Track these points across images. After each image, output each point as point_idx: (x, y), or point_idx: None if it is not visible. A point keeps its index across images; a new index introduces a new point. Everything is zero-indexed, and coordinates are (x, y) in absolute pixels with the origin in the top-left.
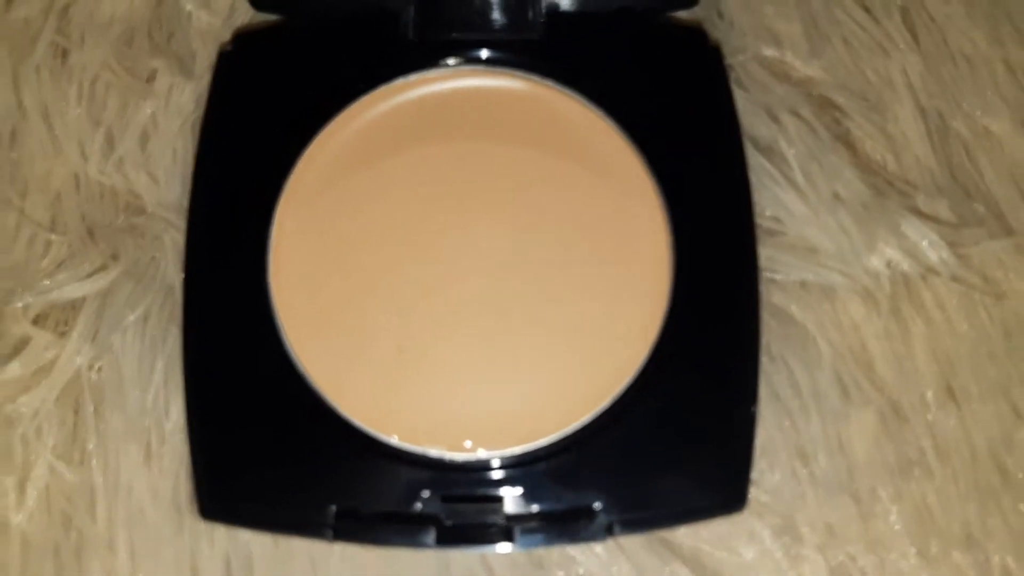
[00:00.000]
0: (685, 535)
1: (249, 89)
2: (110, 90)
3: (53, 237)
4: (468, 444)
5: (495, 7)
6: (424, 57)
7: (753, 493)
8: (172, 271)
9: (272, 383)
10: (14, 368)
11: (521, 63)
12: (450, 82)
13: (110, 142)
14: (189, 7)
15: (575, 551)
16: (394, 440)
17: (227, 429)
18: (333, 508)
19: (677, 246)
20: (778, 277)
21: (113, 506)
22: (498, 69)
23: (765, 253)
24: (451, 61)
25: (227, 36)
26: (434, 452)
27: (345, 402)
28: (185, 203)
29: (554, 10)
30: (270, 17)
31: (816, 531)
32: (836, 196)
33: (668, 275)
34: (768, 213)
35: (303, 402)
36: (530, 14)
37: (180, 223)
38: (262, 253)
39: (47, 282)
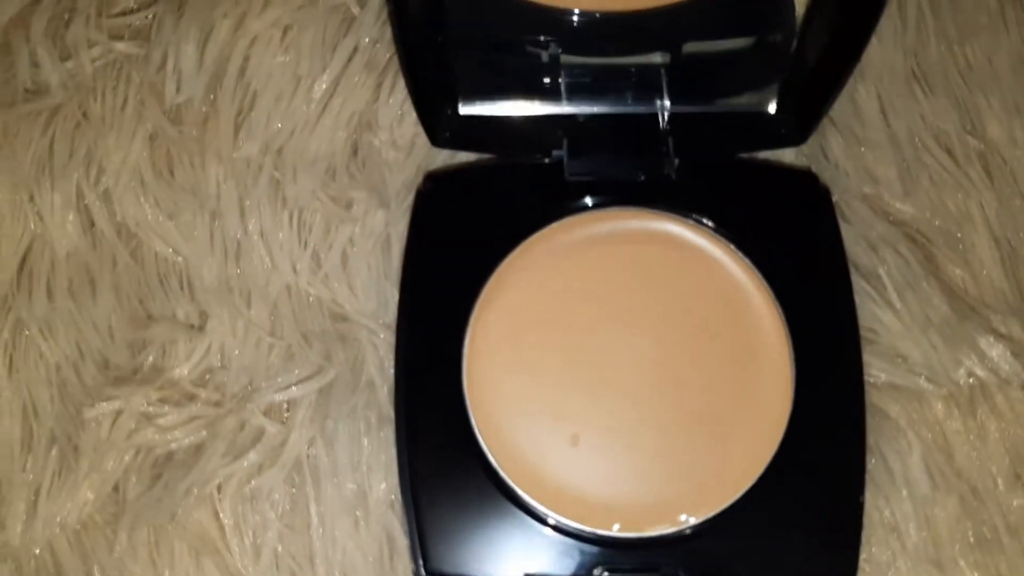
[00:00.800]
0: None
1: (441, 223)
2: (316, 216)
3: (273, 340)
4: (616, 527)
5: (634, 152)
6: (578, 198)
7: None
8: (373, 370)
9: (468, 469)
10: (253, 456)
11: (658, 201)
12: (604, 222)
13: (316, 260)
14: (378, 144)
15: None
16: (571, 521)
17: (438, 502)
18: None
19: (796, 356)
20: (874, 380)
21: (330, 566)
22: (638, 208)
23: (864, 359)
24: (600, 200)
25: (410, 168)
26: (599, 530)
27: (526, 483)
28: (380, 312)
29: (685, 154)
30: (444, 153)
31: None
32: (926, 317)
33: (790, 381)
34: (867, 325)
35: (496, 485)
36: (664, 158)
37: (377, 328)
38: (458, 361)
39: (279, 379)
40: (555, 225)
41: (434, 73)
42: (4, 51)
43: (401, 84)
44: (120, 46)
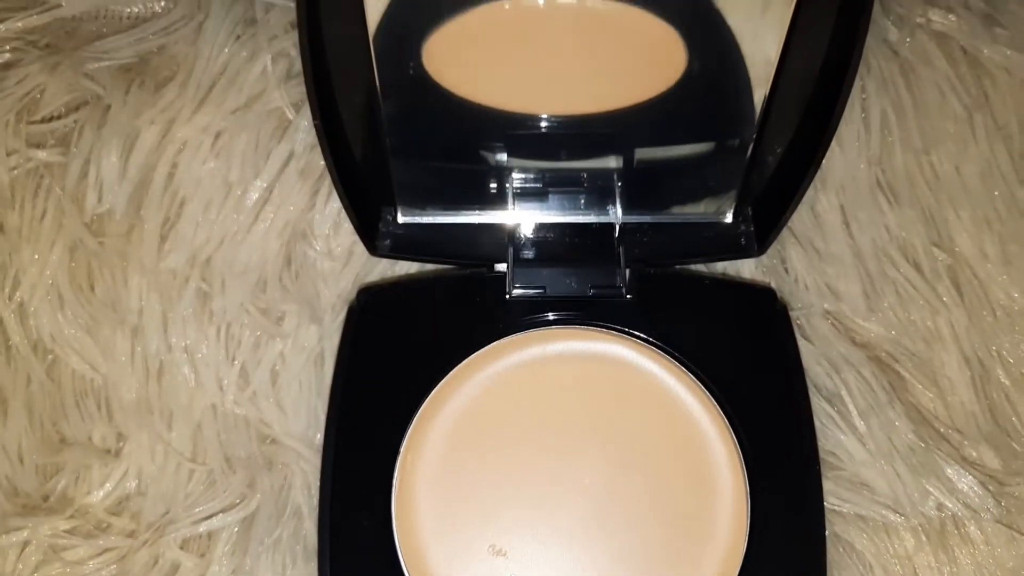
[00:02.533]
0: None
1: (375, 340)
2: (245, 330)
3: (194, 465)
4: None
5: (583, 263)
6: (522, 315)
7: None
8: (301, 497)
9: None
10: None
11: (609, 319)
12: (549, 341)
13: (244, 377)
14: (312, 254)
15: None
16: None
17: None
18: None
19: (752, 484)
20: (839, 509)
21: None
22: (588, 327)
23: (827, 487)
24: (547, 317)
25: (347, 279)
26: None
27: None
28: (310, 433)
29: (637, 264)
30: (383, 262)
31: None
32: (891, 444)
33: (745, 511)
34: (829, 450)
35: None
36: (616, 268)
37: (306, 451)
38: (388, 490)
39: (199, 509)
40: (497, 344)
41: (370, 179)
42: None
43: None
44: (40, 154)
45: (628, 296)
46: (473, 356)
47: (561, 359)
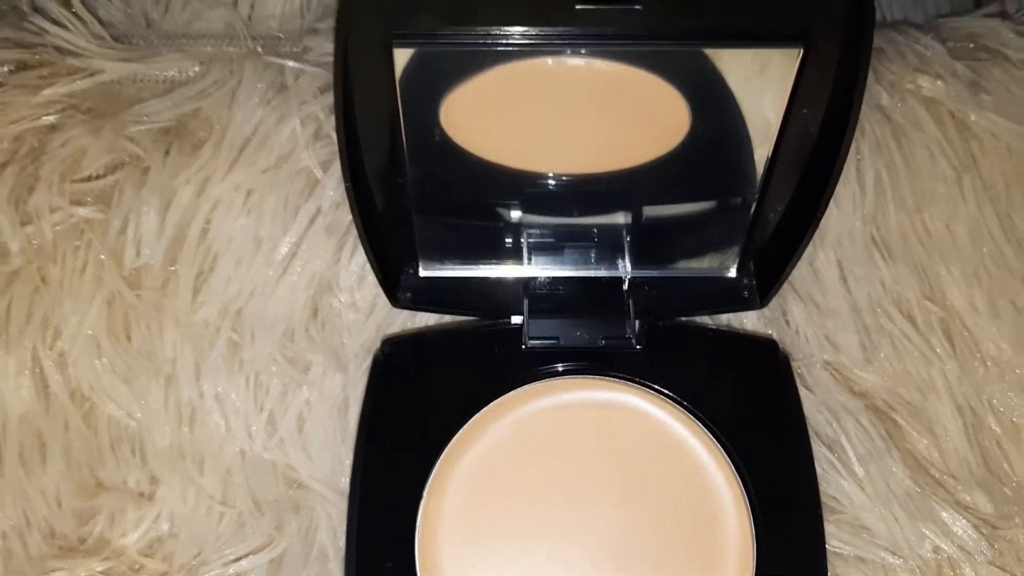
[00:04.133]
0: None
1: (398, 388)
2: (273, 379)
3: (224, 508)
4: None
5: (595, 314)
6: (537, 365)
7: None
8: (326, 539)
9: None
10: None
11: (619, 369)
12: (563, 391)
13: (272, 423)
14: (338, 306)
15: None
16: None
17: None
18: None
19: (756, 527)
20: (840, 551)
21: None
22: (600, 377)
23: (828, 529)
24: (560, 367)
25: (370, 329)
26: None
27: None
28: (334, 478)
29: (646, 316)
30: (404, 313)
31: None
32: (889, 489)
33: (751, 552)
34: (830, 494)
35: None
36: (625, 320)
37: (331, 495)
38: (411, 533)
39: (228, 551)
40: (514, 393)
41: (394, 235)
42: None
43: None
44: (81, 211)
45: (638, 347)
46: (491, 405)
47: (575, 407)
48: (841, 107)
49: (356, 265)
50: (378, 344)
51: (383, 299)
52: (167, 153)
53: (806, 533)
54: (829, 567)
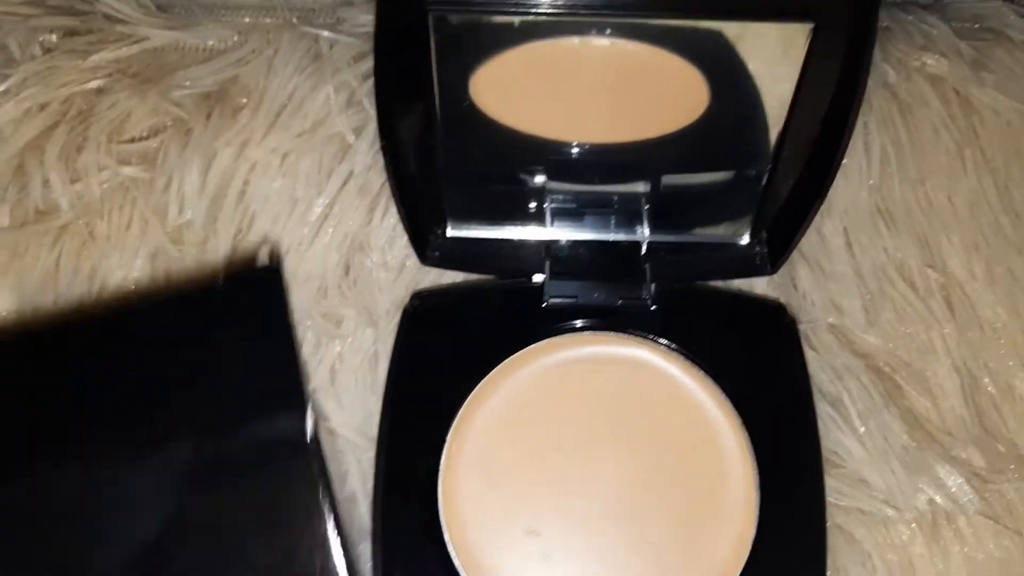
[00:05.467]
0: None
1: (425, 341)
2: (307, 332)
3: None
4: None
5: (613, 276)
6: (556, 321)
7: None
8: (356, 484)
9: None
10: None
11: (634, 327)
12: (580, 345)
13: (306, 375)
14: (369, 264)
15: None
16: None
17: None
18: None
19: (761, 478)
20: (840, 503)
21: None
22: (613, 333)
23: (829, 483)
24: (577, 324)
25: (400, 288)
26: None
27: None
28: (365, 426)
29: (661, 280)
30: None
31: None
32: (887, 444)
33: (755, 503)
34: (831, 449)
35: None
36: (642, 283)
37: (362, 443)
38: (434, 476)
39: None
40: (534, 347)
41: (424, 197)
42: (19, 173)
43: (393, 209)
44: (127, 170)
45: (653, 307)
46: (512, 357)
47: (590, 361)
48: (849, 83)
49: (387, 226)
50: (407, 300)
51: (412, 259)
52: (208, 117)
53: (807, 484)
54: (829, 518)
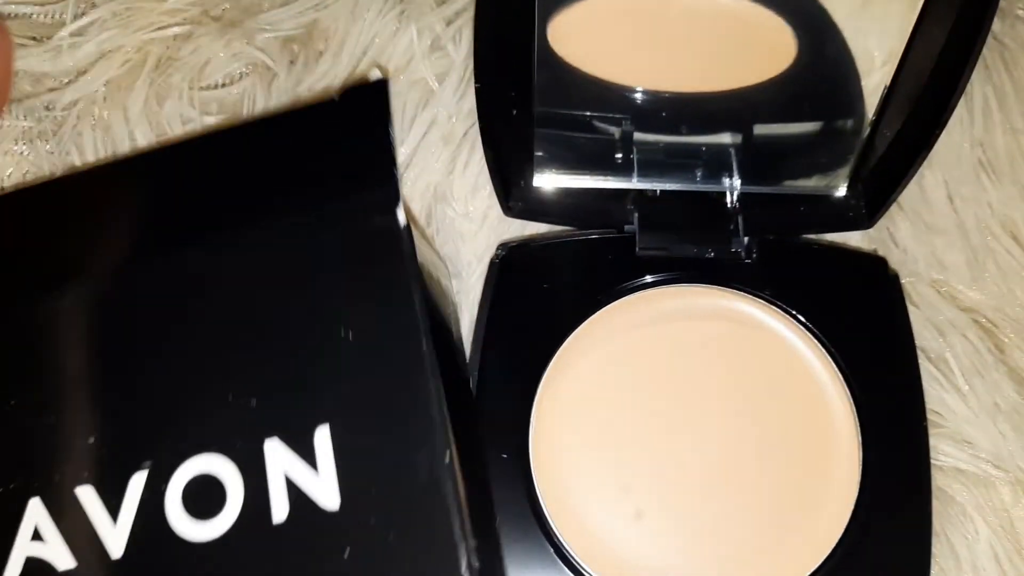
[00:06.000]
0: None
1: (515, 292)
2: None
3: None
4: None
5: (704, 228)
6: (648, 273)
7: None
8: None
9: (533, 538)
10: None
11: (727, 279)
12: (673, 298)
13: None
14: (452, 214)
15: None
16: None
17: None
18: None
19: (864, 437)
20: (941, 464)
21: None
22: (708, 286)
23: (931, 443)
24: (670, 276)
25: (482, 239)
26: None
27: (587, 555)
28: None
29: (754, 233)
30: (515, 225)
31: None
32: (994, 403)
33: (857, 462)
34: (933, 408)
35: (559, 556)
36: (734, 238)
37: None
38: (525, 430)
39: None
40: (626, 299)
41: (512, 145)
42: (104, 131)
43: (475, 158)
44: (211, 120)
45: (747, 260)
46: (605, 308)
47: (687, 314)
48: (964, 32)
49: (469, 176)
50: (490, 253)
51: (495, 210)
52: (292, 63)
53: (911, 442)
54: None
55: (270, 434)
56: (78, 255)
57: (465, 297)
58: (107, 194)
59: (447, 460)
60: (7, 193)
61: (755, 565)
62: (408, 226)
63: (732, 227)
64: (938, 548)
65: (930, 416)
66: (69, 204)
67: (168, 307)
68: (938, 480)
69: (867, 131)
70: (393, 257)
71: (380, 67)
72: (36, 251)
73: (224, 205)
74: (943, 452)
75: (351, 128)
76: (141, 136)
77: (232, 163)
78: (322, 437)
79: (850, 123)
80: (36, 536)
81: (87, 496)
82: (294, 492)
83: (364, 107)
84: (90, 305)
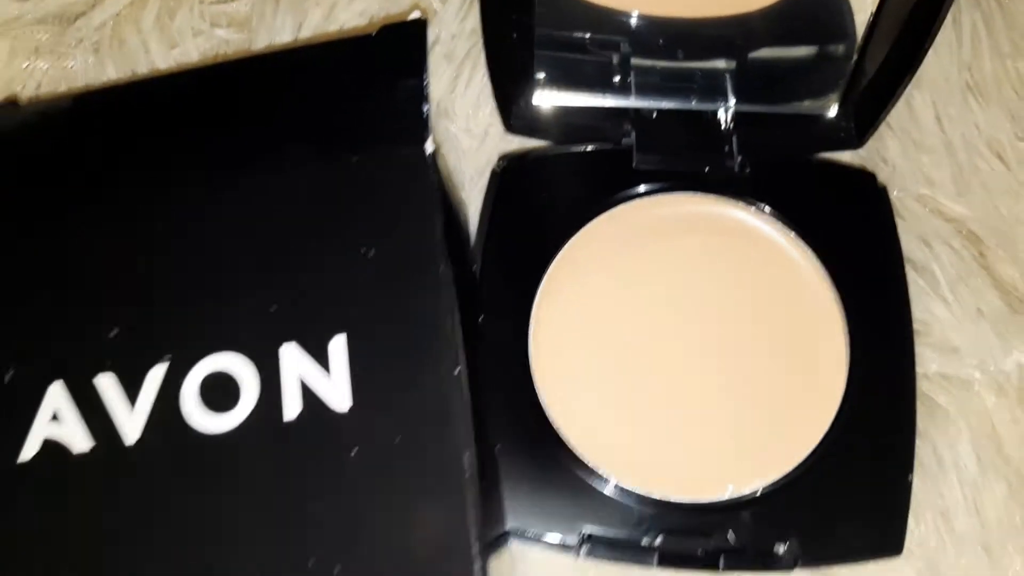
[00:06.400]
0: (849, 573)
1: (515, 202)
2: None
3: None
4: (673, 493)
5: (699, 147)
6: (644, 183)
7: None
8: None
9: (534, 434)
10: None
11: (723, 190)
12: (669, 205)
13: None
14: (454, 130)
15: None
16: (630, 486)
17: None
18: (582, 530)
19: (852, 340)
20: (926, 370)
21: None
22: (703, 195)
23: (916, 350)
24: (666, 184)
25: (484, 155)
26: (657, 495)
27: (588, 447)
28: None
29: (747, 153)
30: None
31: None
32: (978, 309)
33: (845, 363)
34: (919, 317)
35: (560, 449)
36: (727, 151)
37: None
38: (525, 332)
39: None
40: (624, 206)
41: (514, 63)
42: (119, 44)
43: (477, 76)
44: (221, 32)
45: (740, 174)
46: (603, 215)
47: (682, 221)
48: None
49: (471, 94)
50: (492, 167)
51: (496, 127)
52: None
53: (897, 347)
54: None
55: (288, 338)
56: (113, 164)
57: (467, 209)
58: (144, 109)
59: (455, 373)
60: (34, 102)
61: (746, 458)
62: (435, 158)
63: (727, 147)
64: (922, 448)
65: (916, 326)
66: (101, 116)
67: (201, 218)
68: (923, 386)
69: (856, 54)
70: (419, 186)
71: (423, 10)
72: (73, 157)
73: (261, 126)
74: (928, 358)
75: (388, 61)
76: (155, 47)
77: (274, 86)
78: (338, 345)
79: (840, 47)
80: (54, 418)
81: (107, 383)
82: (307, 394)
83: (401, 44)
84: (126, 208)
